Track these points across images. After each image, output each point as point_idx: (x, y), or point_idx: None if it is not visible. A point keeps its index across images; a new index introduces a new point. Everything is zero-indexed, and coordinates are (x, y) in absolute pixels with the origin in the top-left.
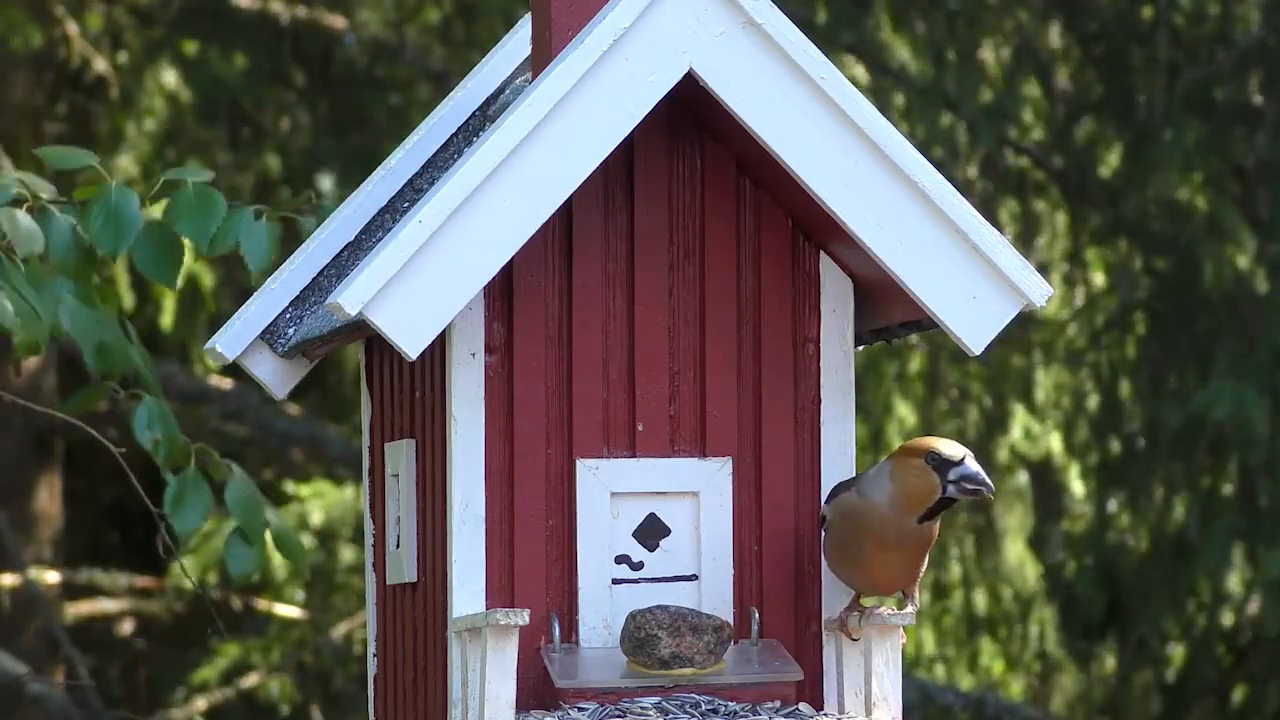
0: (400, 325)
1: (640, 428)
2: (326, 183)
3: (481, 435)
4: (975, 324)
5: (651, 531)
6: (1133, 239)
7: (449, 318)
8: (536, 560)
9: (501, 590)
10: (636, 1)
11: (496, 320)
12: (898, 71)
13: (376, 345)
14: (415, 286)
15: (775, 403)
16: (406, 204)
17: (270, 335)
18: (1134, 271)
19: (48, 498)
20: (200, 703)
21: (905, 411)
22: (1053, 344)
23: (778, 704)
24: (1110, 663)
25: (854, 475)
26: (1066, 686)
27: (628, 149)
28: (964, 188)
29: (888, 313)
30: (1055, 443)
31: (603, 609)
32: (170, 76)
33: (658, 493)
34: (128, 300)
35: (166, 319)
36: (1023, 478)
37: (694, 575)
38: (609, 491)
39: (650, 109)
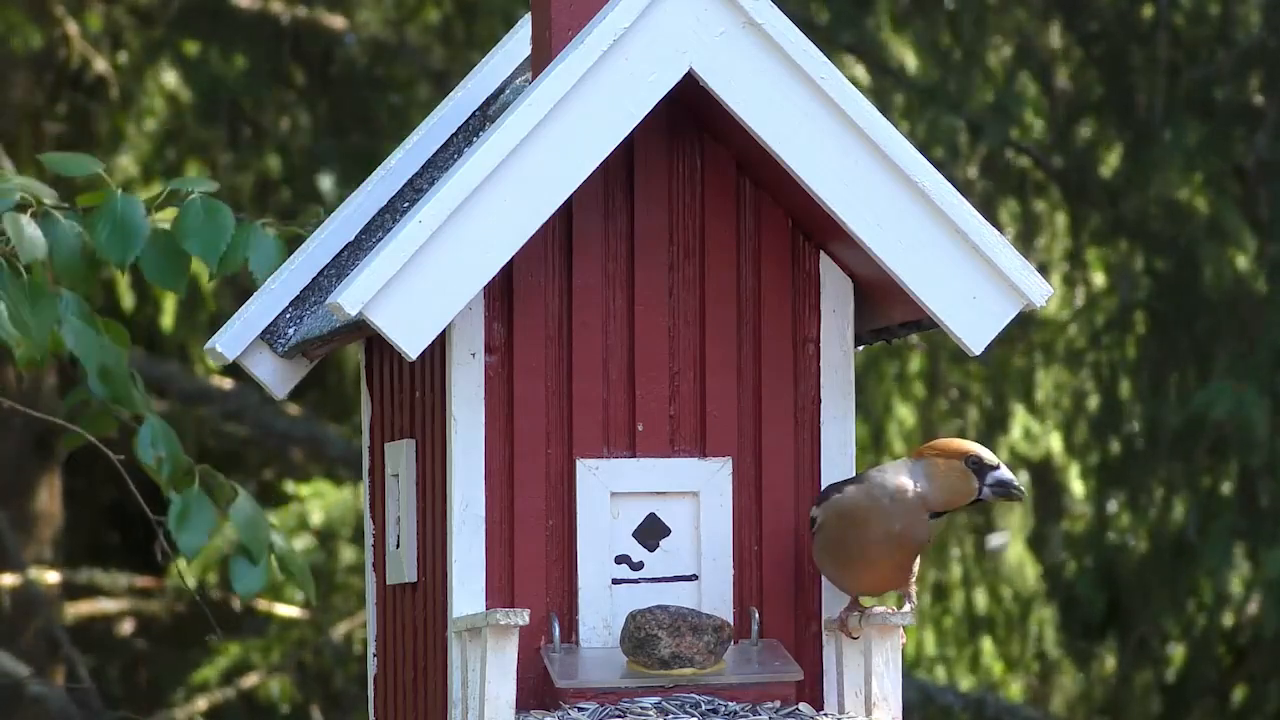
0: (400, 325)
1: (640, 428)
2: (326, 183)
3: (481, 435)
4: (975, 324)
5: (651, 531)
6: (1133, 239)
7: (449, 318)
8: (536, 560)
9: (501, 590)
10: (636, 1)
11: (496, 320)
12: (897, 72)
13: (376, 345)
14: (415, 286)
15: (775, 403)
16: (406, 204)
17: (270, 335)
18: (1134, 272)
19: (48, 498)
20: (200, 703)
21: (905, 411)
22: (1053, 344)
23: (778, 704)
24: (1110, 663)
25: (846, 478)
26: (1066, 687)
27: (628, 149)
28: (964, 188)
29: (888, 313)
30: (1055, 443)
31: (603, 609)
32: (170, 77)
33: (658, 493)
34: (128, 300)
35: (167, 319)
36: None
37: (694, 575)
38: (609, 491)
39: (650, 109)
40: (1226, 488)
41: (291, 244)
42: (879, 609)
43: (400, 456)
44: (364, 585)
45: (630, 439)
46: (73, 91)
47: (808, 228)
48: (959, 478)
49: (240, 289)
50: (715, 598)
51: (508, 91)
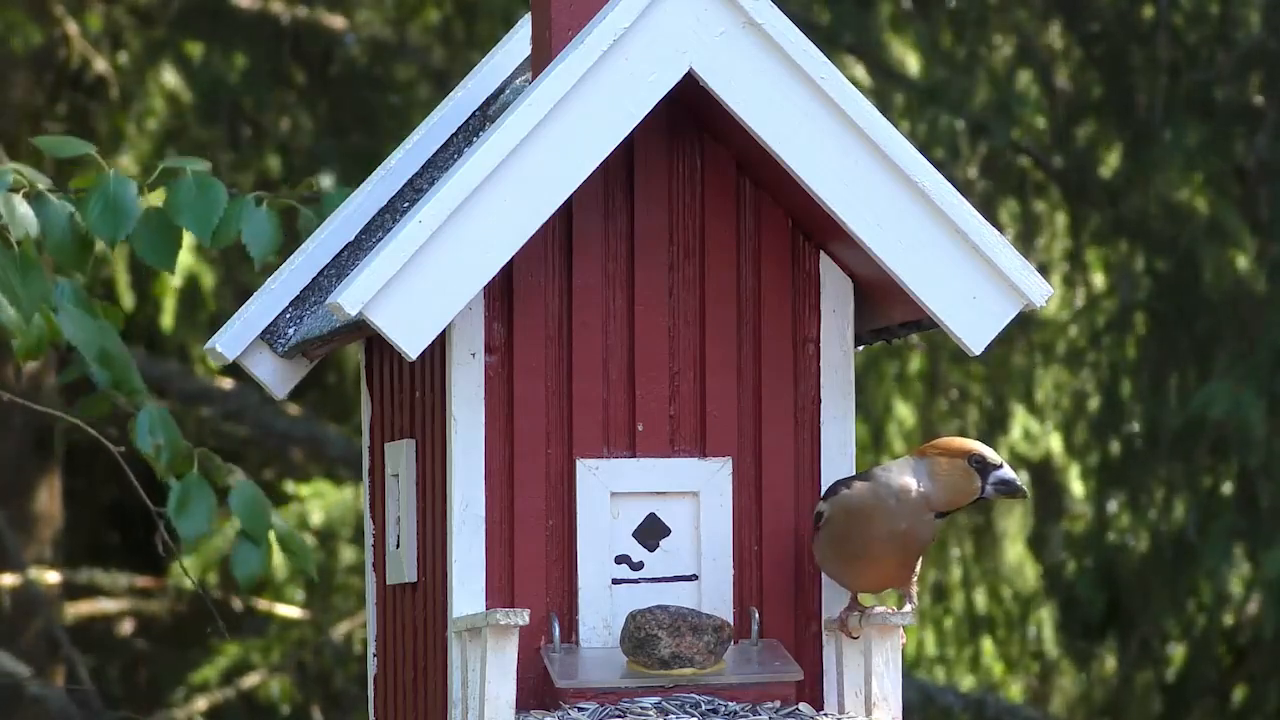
0: (400, 325)
1: (640, 428)
2: (326, 183)
3: (481, 435)
4: (975, 324)
5: (651, 531)
6: (1133, 239)
7: (449, 318)
8: (536, 560)
9: (501, 590)
10: (636, 1)
11: (496, 320)
12: (898, 72)
13: (376, 345)
14: (415, 286)
15: (775, 403)
16: (406, 204)
17: (270, 335)
18: (1134, 272)
19: (48, 498)
20: (200, 703)
21: (905, 411)
22: (1053, 344)
23: (778, 704)
24: (1110, 663)
25: (852, 474)
26: (1066, 687)
27: (628, 149)
28: (964, 188)
29: (888, 313)
30: (1055, 443)
31: (603, 609)
32: (171, 76)
33: (658, 493)
34: (127, 300)
35: (167, 319)
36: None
37: (694, 575)
38: (609, 491)
39: (650, 109)
40: (1226, 488)
41: (286, 229)
42: (879, 609)
43: (400, 456)
44: (364, 585)
45: (630, 439)
46: (73, 91)
47: (808, 228)
48: (962, 476)
49: (240, 288)
50: (715, 598)
51: (508, 91)
